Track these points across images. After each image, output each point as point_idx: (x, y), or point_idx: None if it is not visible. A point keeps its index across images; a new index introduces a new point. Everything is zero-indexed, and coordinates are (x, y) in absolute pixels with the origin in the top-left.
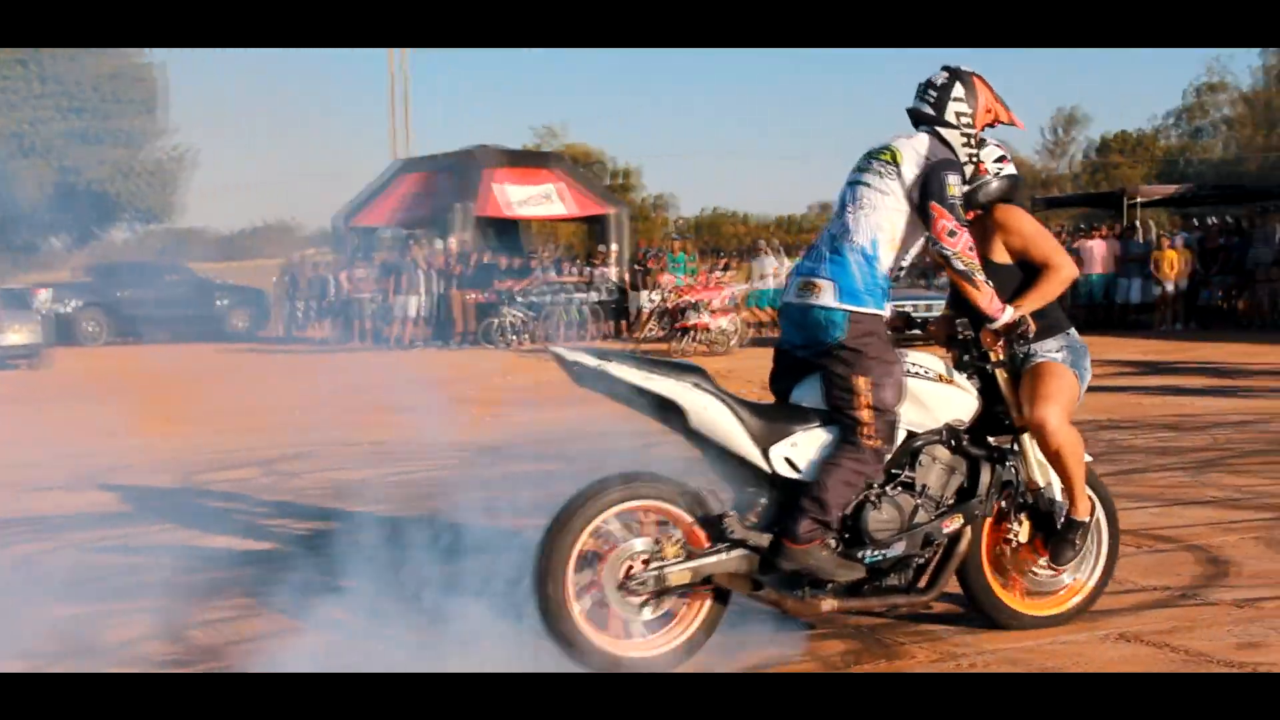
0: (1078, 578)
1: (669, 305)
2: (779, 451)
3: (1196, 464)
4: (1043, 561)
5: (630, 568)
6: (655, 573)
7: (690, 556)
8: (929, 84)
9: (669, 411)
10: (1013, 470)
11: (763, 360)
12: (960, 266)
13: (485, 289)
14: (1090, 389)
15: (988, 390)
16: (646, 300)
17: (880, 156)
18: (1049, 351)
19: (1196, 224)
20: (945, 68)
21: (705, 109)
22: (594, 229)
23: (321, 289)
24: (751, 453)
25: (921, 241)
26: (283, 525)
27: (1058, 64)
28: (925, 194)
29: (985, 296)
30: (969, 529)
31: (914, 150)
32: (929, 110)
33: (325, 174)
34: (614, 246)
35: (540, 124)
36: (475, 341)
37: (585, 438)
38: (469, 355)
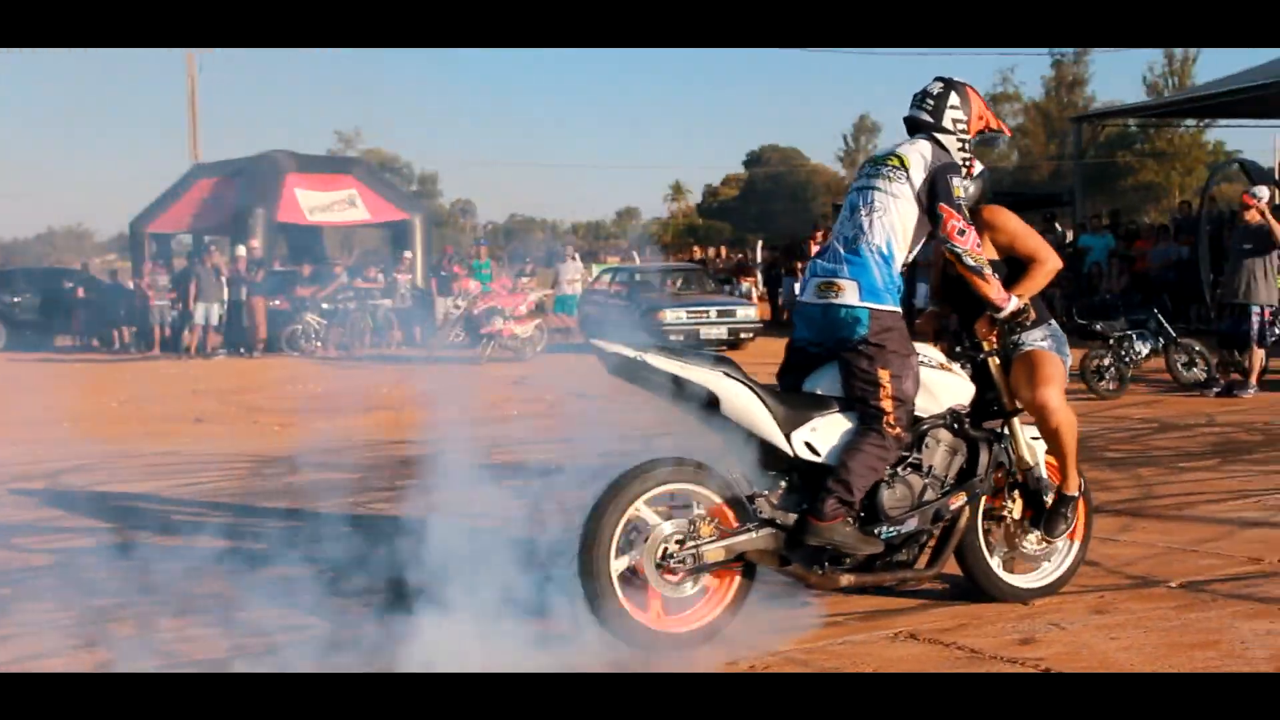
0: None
1: (471, 312)
2: (800, 436)
3: None
4: (1033, 535)
5: (667, 548)
6: (692, 551)
7: (723, 535)
8: (925, 93)
9: (703, 399)
10: (1005, 451)
11: (564, 367)
12: (971, 262)
13: (285, 296)
14: None
15: (977, 378)
16: (449, 307)
17: (888, 163)
18: (1036, 340)
19: None
20: (939, 79)
21: (511, 115)
22: (395, 235)
23: (116, 296)
24: (777, 438)
25: (923, 240)
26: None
27: (854, 73)
28: (933, 196)
29: (994, 288)
30: (967, 509)
31: (920, 156)
32: (927, 118)
33: (123, 179)
34: (409, 253)
35: (341, 128)
36: (275, 349)
37: (377, 445)
38: (267, 363)
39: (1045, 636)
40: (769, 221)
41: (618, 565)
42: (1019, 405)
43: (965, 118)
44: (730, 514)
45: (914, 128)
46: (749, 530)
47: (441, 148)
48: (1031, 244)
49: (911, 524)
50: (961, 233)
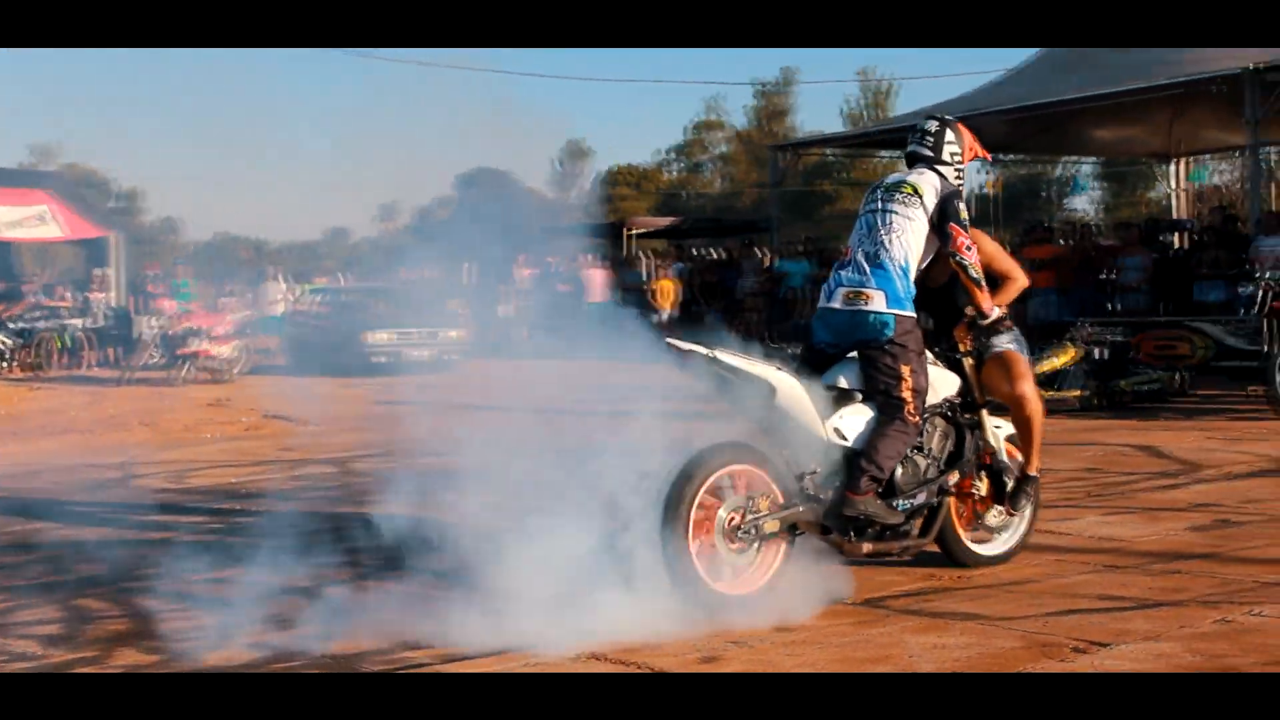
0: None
1: (170, 332)
2: (831, 424)
3: None
4: (995, 510)
5: (733, 519)
6: (754, 522)
7: (777, 510)
8: (924, 131)
9: (765, 390)
10: (978, 438)
11: (265, 388)
12: (974, 274)
13: None
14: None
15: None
16: (147, 327)
17: (903, 189)
18: (1005, 343)
19: (694, 254)
20: (934, 118)
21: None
22: (92, 252)
23: None
24: (817, 425)
25: (930, 256)
26: None
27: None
28: (944, 218)
29: (986, 298)
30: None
31: (930, 185)
32: (927, 152)
33: None
34: (99, 271)
35: (36, 140)
36: None
37: (55, 471)
38: None
39: (727, 654)
40: (480, 244)
41: (692, 537)
42: (989, 398)
43: (959, 150)
44: (780, 491)
45: (914, 160)
46: (797, 505)
47: (147, 163)
48: (1006, 264)
49: (920, 498)
50: (969, 248)
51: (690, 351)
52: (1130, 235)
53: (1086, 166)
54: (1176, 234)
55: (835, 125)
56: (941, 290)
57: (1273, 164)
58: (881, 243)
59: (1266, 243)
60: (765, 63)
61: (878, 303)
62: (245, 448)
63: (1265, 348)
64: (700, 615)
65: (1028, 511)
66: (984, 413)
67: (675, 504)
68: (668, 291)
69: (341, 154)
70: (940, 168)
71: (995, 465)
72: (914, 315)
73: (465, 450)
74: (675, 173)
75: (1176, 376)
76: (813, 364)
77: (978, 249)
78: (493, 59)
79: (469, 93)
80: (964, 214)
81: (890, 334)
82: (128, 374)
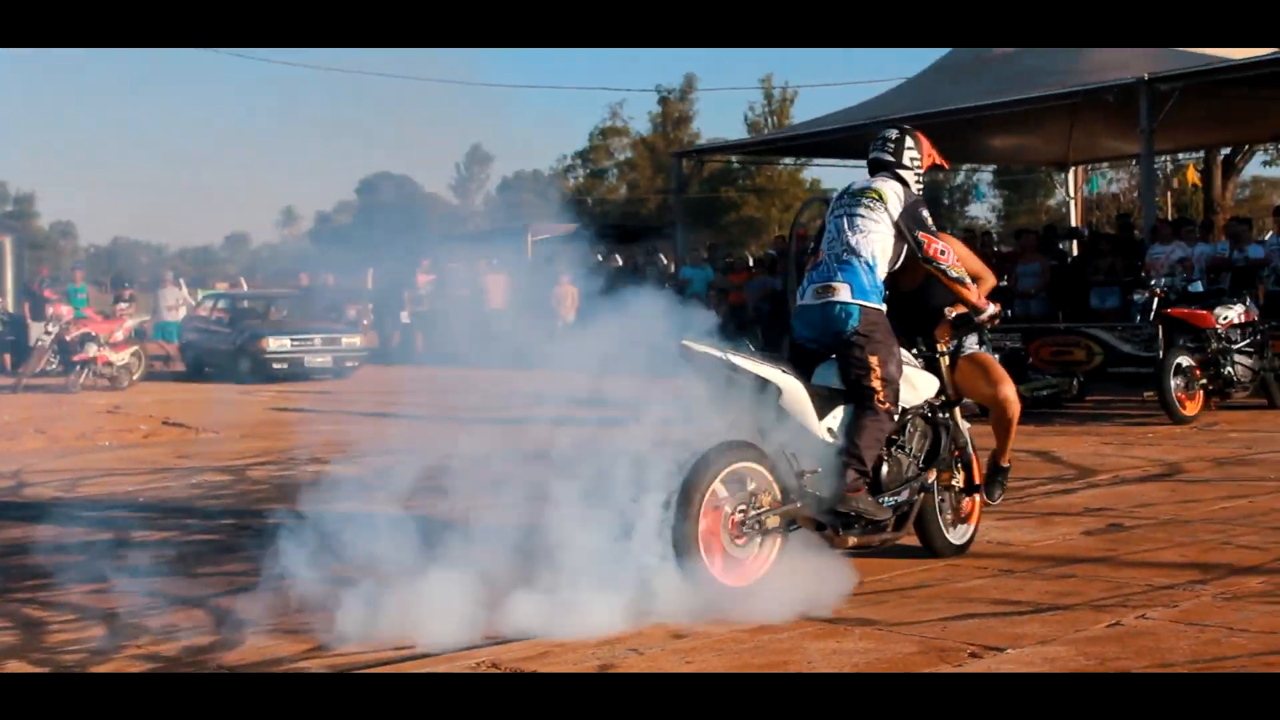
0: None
1: (64, 338)
2: (825, 424)
3: None
4: (968, 499)
5: (736, 516)
6: (757, 518)
7: (778, 505)
8: (885, 139)
9: (775, 392)
10: (953, 434)
11: (162, 395)
12: (954, 275)
13: None
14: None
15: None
16: (42, 333)
17: (868, 194)
18: (975, 345)
19: (597, 260)
20: (894, 126)
21: (113, 134)
22: None
23: None
24: (816, 425)
25: (900, 258)
26: None
27: (467, 102)
28: (912, 226)
29: (975, 294)
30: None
31: (894, 192)
32: (889, 158)
33: None
34: None
35: None
36: None
37: None
38: None
39: (624, 662)
40: (382, 249)
41: (702, 531)
42: (962, 397)
43: (918, 156)
44: (780, 488)
45: (877, 166)
46: (796, 501)
47: (40, 167)
48: (977, 265)
49: (904, 494)
50: (943, 252)
51: (704, 354)
52: (1027, 242)
53: (986, 174)
54: (1074, 241)
55: (738, 132)
56: (913, 294)
57: (1167, 172)
58: (848, 243)
59: (1159, 250)
60: (668, 69)
61: (843, 294)
62: (142, 455)
63: (1158, 354)
64: (702, 604)
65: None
66: (957, 410)
67: (687, 498)
68: (573, 297)
69: (242, 158)
70: (902, 172)
71: (965, 458)
72: (880, 308)
73: (362, 454)
74: (579, 178)
75: (1072, 382)
76: (798, 362)
77: (955, 253)
78: (393, 62)
79: (372, 98)
80: (929, 219)
81: (855, 324)
82: (22, 381)
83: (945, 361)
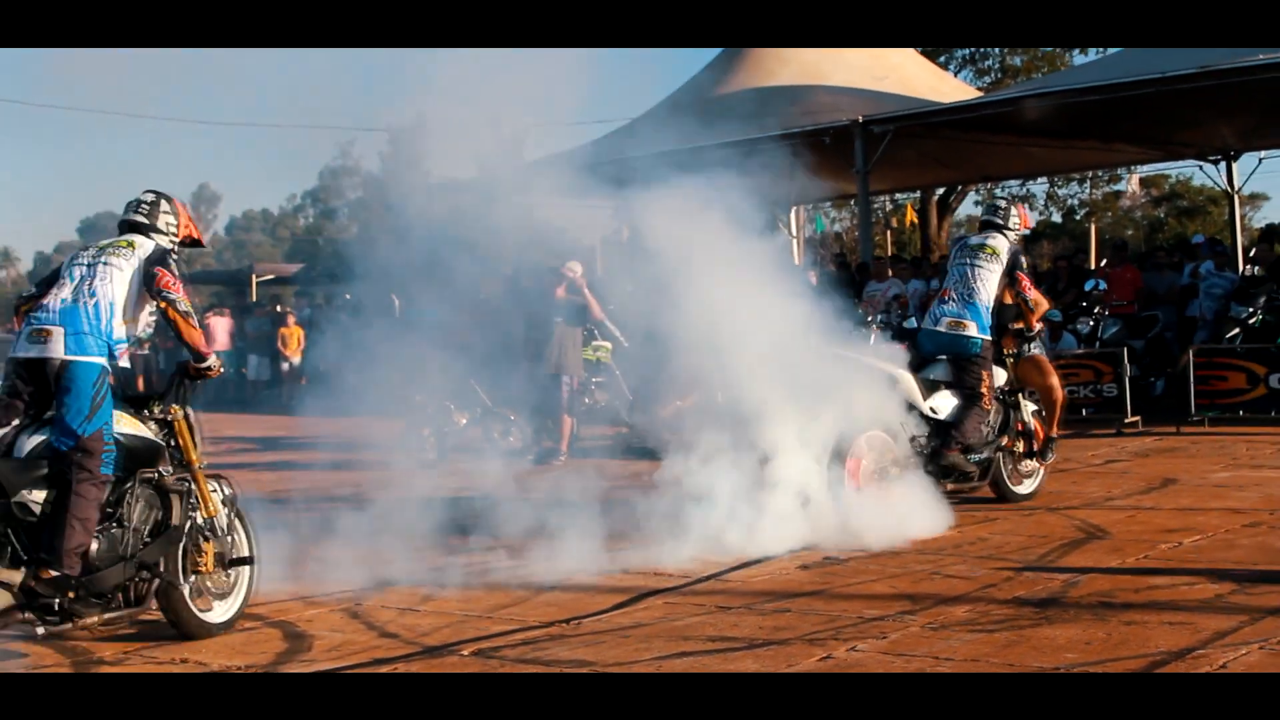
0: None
1: None
2: (928, 404)
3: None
4: (1027, 461)
5: (869, 467)
6: (885, 468)
7: (901, 461)
8: (995, 207)
9: (890, 380)
10: (1018, 412)
11: None
12: (1032, 305)
13: None
14: None
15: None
16: None
17: (985, 250)
18: (1034, 349)
19: (323, 300)
20: (1001, 198)
21: None
22: None
23: None
24: (922, 405)
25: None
26: None
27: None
28: (1013, 268)
29: (1034, 319)
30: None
31: (1004, 248)
32: (999, 221)
33: None
34: None
35: None
36: None
37: None
38: None
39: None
40: None
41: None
42: (1025, 386)
43: (1019, 221)
44: (898, 446)
45: (986, 226)
46: (911, 458)
47: None
48: (1035, 295)
49: (985, 454)
50: (1031, 288)
51: (838, 355)
52: None
53: None
54: None
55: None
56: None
57: (887, 212)
58: (974, 289)
59: (875, 287)
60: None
61: (972, 330)
62: None
63: None
64: (844, 526)
65: (1047, 464)
66: (1020, 395)
67: (841, 455)
68: (299, 338)
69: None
70: (1007, 233)
71: (1026, 430)
72: (992, 339)
73: None
74: (310, 218)
75: None
76: (914, 365)
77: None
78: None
79: (93, 136)
80: (1027, 264)
81: (978, 350)
82: None
83: (1011, 361)
